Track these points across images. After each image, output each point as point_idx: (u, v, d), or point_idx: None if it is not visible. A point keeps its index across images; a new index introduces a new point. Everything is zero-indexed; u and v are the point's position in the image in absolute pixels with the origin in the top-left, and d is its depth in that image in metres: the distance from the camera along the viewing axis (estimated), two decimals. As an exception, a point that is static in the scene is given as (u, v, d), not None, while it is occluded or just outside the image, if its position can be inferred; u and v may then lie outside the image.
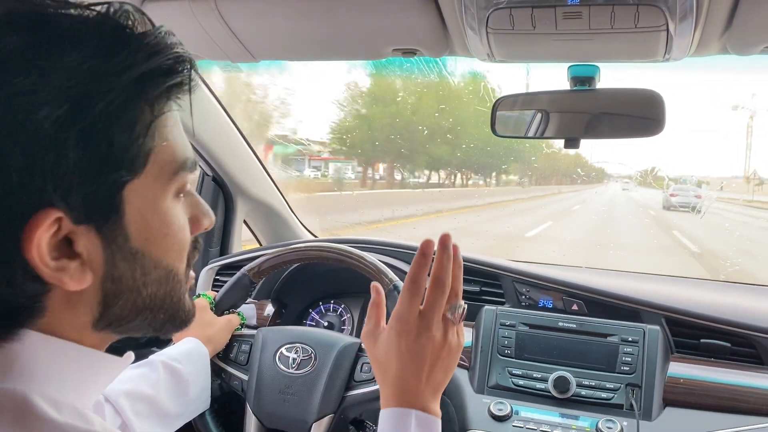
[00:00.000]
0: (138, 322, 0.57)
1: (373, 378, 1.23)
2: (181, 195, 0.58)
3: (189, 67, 0.54)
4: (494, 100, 1.20)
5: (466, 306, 0.85)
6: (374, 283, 0.90)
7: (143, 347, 1.52)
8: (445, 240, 0.82)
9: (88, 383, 0.56)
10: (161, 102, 0.53)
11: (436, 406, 0.82)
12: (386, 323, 0.85)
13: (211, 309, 1.32)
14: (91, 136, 0.47)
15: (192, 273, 0.64)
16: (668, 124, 1.07)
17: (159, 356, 1.14)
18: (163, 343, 1.32)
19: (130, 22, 0.51)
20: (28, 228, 0.46)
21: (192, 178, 0.60)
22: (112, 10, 0.51)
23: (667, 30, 0.85)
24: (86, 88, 0.47)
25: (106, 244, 0.51)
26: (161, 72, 0.52)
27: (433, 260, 0.82)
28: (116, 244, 0.51)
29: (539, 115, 1.17)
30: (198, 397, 1.19)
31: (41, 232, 0.46)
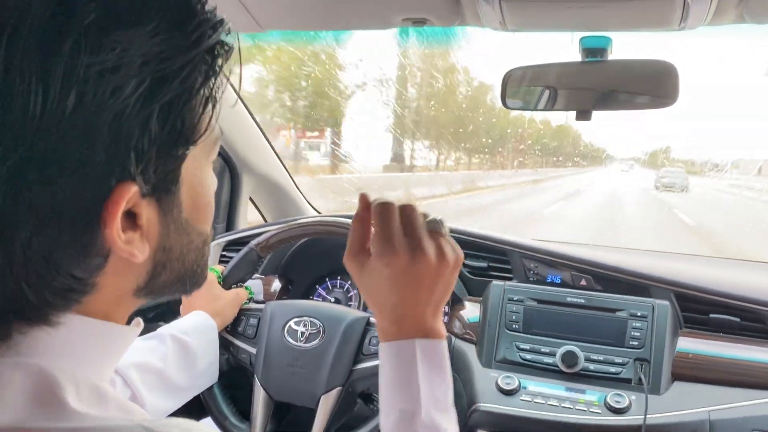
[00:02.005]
0: (176, 287, 0.58)
1: None
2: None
3: (231, 40, 0.53)
4: (505, 73, 1.18)
5: (442, 219, 0.77)
6: (361, 193, 0.78)
7: (150, 321, 1.53)
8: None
9: (107, 357, 0.56)
10: (215, 73, 0.52)
11: (439, 325, 0.76)
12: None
13: (219, 283, 1.32)
14: (170, 111, 0.47)
15: None
16: (681, 96, 1.06)
17: (168, 329, 1.14)
18: (170, 317, 1.32)
19: None
20: (109, 203, 0.46)
21: None
22: None
23: (684, -4, 0.83)
24: (163, 63, 0.46)
25: (162, 215, 0.52)
26: (224, 44, 0.51)
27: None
28: (172, 215, 0.53)
29: (550, 87, 1.15)
30: (206, 370, 1.19)
31: (120, 206, 0.46)
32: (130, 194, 0.46)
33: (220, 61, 0.51)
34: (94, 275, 0.49)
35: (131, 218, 0.49)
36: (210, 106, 0.51)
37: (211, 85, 0.51)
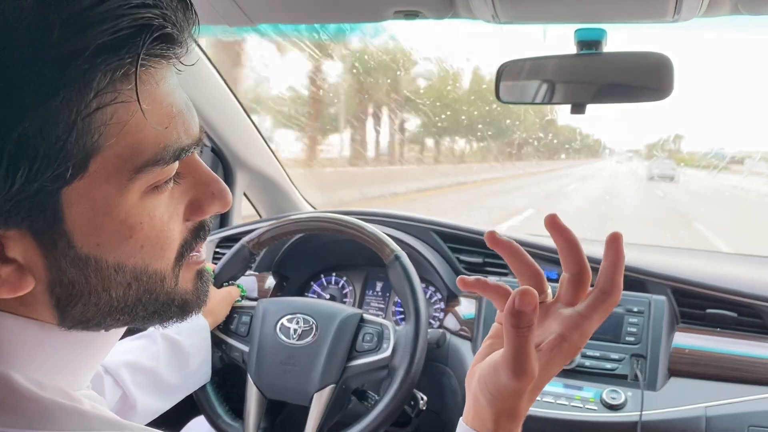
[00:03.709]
0: (111, 321, 0.51)
1: (375, 348, 1.22)
2: (168, 183, 0.49)
3: (141, 40, 0.42)
4: (499, 66, 1.17)
5: None
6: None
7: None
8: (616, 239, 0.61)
9: (77, 364, 0.52)
10: (103, 88, 0.42)
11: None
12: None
13: (211, 281, 1.30)
14: (5, 140, 0.40)
15: (200, 256, 0.58)
16: (676, 88, 1.05)
17: (158, 328, 1.12)
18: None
19: None
20: None
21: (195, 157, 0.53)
22: None
23: (678, -14, 0.82)
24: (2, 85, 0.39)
25: (45, 249, 0.45)
26: (95, 50, 0.40)
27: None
28: (58, 249, 0.45)
29: (544, 80, 1.14)
30: (199, 369, 1.18)
31: None
32: None
33: (85, 78, 0.41)
34: None
35: (1, 249, 0.44)
36: (71, 132, 0.41)
37: (72, 107, 0.41)
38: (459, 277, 0.64)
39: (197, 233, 0.55)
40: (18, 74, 0.39)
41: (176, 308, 0.54)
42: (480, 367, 0.61)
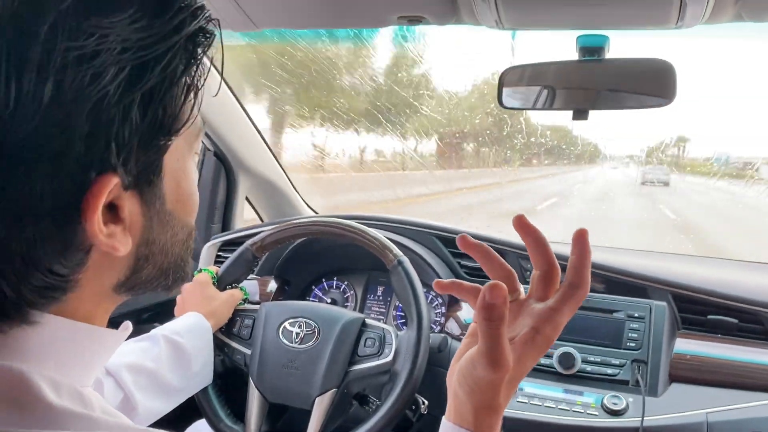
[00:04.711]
0: (159, 281, 0.56)
1: (377, 353, 1.22)
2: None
3: (218, 25, 0.52)
4: (501, 72, 1.17)
5: None
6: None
7: (144, 322, 1.52)
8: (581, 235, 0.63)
9: (90, 361, 0.54)
10: (196, 60, 0.51)
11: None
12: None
13: (214, 284, 1.31)
14: (151, 99, 0.46)
15: None
16: (679, 94, 1.05)
17: (161, 330, 1.13)
18: (166, 318, 1.31)
19: None
20: (90, 195, 0.44)
21: None
22: None
23: (681, -6, 0.82)
24: (143, 50, 0.45)
25: (145, 208, 0.50)
26: (205, 31, 0.50)
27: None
28: (155, 207, 0.51)
29: (547, 86, 1.14)
30: (200, 372, 1.18)
31: (101, 199, 0.45)
32: (111, 186, 0.45)
33: (200, 49, 0.50)
34: (75, 272, 0.48)
35: (113, 211, 0.48)
36: (192, 94, 0.50)
37: (192, 72, 0.50)
38: (435, 281, 0.67)
39: None
40: (165, 49, 0.46)
41: (186, 275, 0.60)
42: (459, 364, 0.63)
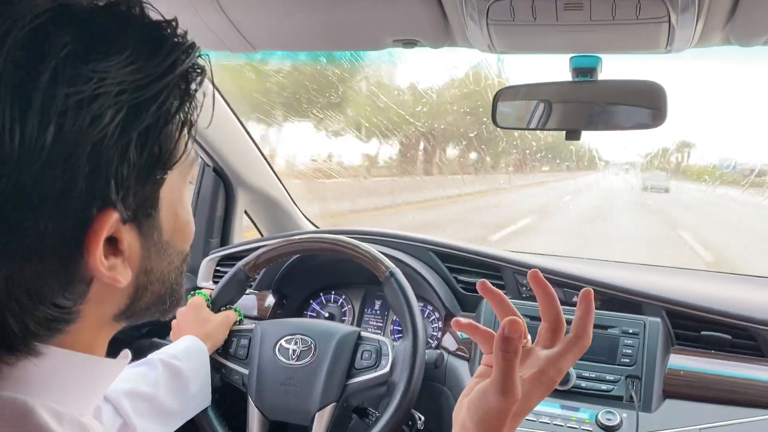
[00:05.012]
0: (155, 308, 0.58)
1: (374, 365, 1.23)
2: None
3: (208, 60, 0.55)
4: (496, 92, 1.19)
5: None
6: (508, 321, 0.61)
7: (143, 337, 1.53)
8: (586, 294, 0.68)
9: (90, 391, 0.55)
10: (190, 96, 0.53)
11: None
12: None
13: (208, 306, 1.32)
14: (147, 137, 0.48)
15: None
16: (669, 116, 1.07)
17: (158, 354, 1.14)
18: (164, 332, 1.32)
19: (161, 20, 0.51)
20: (91, 231, 0.46)
21: None
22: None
23: (669, 21, 0.84)
24: (139, 90, 0.46)
25: (143, 239, 0.52)
26: (197, 68, 0.53)
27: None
28: (152, 238, 0.53)
29: (541, 106, 1.16)
30: (198, 394, 1.19)
31: (102, 234, 0.47)
32: (111, 221, 0.47)
33: (194, 85, 0.52)
34: (78, 303, 0.50)
35: (113, 244, 0.49)
36: (185, 129, 0.52)
37: (186, 108, 0.52)
38: (454, 319, 0.73)
39: None
40: (160, 88, 0.48)
41: (180, 298, 0.62)
42: (469, 397, 0.66)
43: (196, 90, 0.53)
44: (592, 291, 0.68)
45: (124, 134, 0.46)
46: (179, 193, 0.56)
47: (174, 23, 0.52)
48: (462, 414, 0.66)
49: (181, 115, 0.51)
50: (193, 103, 0.53)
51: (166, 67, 0.49)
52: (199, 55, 0.53)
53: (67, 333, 0.50)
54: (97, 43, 0.46)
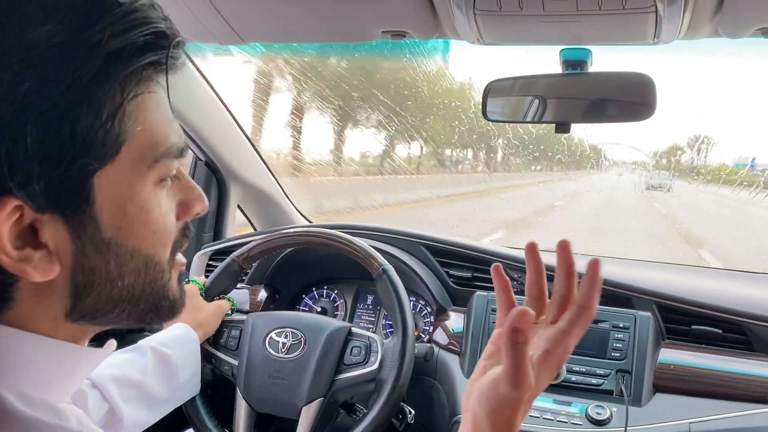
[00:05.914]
0: (116, 314, 0.54)
1: (363, 361, 1.23)
2: (168, 179, 0.55)
3: (169, 44, 0.50)
4: (486, 84, 1.19)
5: None
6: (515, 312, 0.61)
7: (133, 332, 1.53)
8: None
9: (64, 377, 0.54)
10: (136, 82, 0.49)
11: None
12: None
13: (201, 294, 1.32)
14: (52, 121, 0.44)
15: (183, 259, 0.62)
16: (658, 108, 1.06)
17: (148, 341, 1.14)
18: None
19: None
20: None
21: (184, 163, 0.58)
22: None
23: (656, 12, 0.83)
24: (50, 67, 0.43)
25: (74, 234, 0.48)
26: (135, 49, 0.47)
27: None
28: (86, 234, 0.49)
29: (530, 98, 1.16)
30: (188, 382, 1.19)
31: (3, 221, 0.44)
32: (9, 208, 0.44)
33: (128, 69, 0.48)
34: (4, 290, 0.48)
35: (33, 234, 0.47)
36: (115, 120, 0.47)
37: (116, 95, 0.47)
38: (494, 265, 0.75)
39: (184, 232, 0.60)
40: (74, 67, 0.44)
41: (167, 306, 0.58)
42: (479, 384, 0.65)
43: (130, 74, 0.48)
44: (600, 260, 0.65)
45: (20, 113, 0.43)
46: (129, 188, 0.51)
47: (141, 1, 0.48)
48: (472, 402, 0.65)
49: (112, 100, 0.47)
50: (133, 89, 0.48)
51: (90, 44, 0.45)
52: (165, 40, 0.50)
53: (13, 316, 0.49)
54: (17, 15, 0.44)
